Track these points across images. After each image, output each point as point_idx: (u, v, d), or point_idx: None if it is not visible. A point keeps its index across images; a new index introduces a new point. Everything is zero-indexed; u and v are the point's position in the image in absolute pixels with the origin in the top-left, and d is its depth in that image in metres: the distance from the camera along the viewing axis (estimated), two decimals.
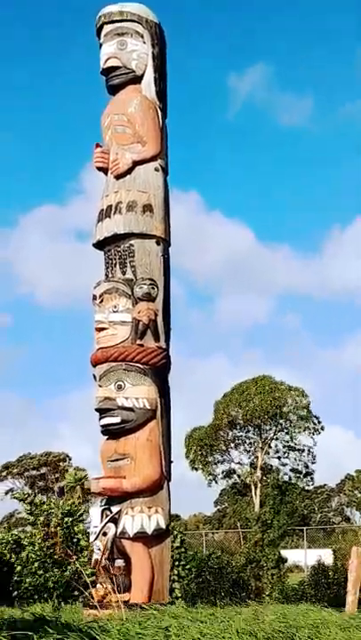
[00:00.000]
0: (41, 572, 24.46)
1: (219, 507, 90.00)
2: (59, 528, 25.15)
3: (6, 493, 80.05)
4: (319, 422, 68.78)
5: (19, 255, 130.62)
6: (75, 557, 22.75)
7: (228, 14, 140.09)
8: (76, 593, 22.45)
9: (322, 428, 69.03)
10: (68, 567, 23.68)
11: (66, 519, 25.58)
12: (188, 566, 25.37)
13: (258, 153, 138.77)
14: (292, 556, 44.09)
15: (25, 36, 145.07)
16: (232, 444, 70.70)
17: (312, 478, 71.11)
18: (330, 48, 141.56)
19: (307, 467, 70.05)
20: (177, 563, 24.45)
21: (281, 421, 68.12)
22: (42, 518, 25.81)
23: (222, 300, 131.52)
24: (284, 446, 69.72)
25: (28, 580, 24.41)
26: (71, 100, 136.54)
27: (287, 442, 69.45)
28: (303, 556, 44.56)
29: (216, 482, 72.29)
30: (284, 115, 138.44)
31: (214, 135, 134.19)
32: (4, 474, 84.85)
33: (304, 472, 70.04)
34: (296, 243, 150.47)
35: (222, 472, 71.72)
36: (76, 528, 25.32)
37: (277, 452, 70.09)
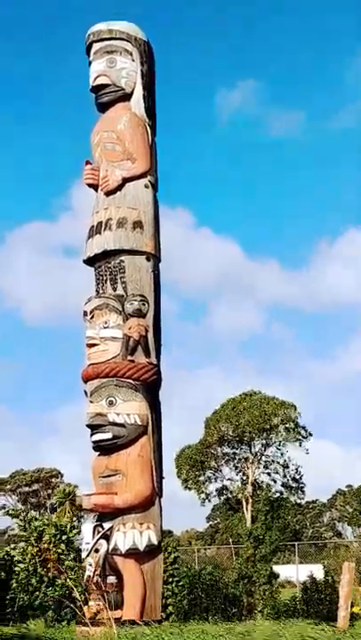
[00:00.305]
0: (34, 589, 24.32)
1: (211, 522, 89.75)
2: (51, 545, 25.04)
3: None
4: (308, 433, 68.76)
5: (5, 271, 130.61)
6: (66, 575, 22.64)
7: (216, 30, 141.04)
8: (68, 610, 22.33)
9: (310, 434, 68.90)
10: (60, 584, 23.56)
11: (58, 536, 25.47)
12: (180, 582, 25.24)
13: (246, 169, 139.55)
14: (284, 571, 43.93)
15: (12, 51, 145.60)
16: (223, 461, 70.59)
17: (303, 492, 70.98)
18: (320, 61, 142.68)
19: (296, 481, 69.93)
20: (170, 579, 24.34)
21: (271, 435, 68.06)
22: (35, 534, 25.69)
23: (212, 314, 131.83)
24: (273, 460, 69.63)
25: (21, 597, 24.27)
26: (60, 117, 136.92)
27: (277, 457, 69.38)
28: (295, 572, 44.44)
29: (209, 500, 72.16)
30: (272, 130, 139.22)
31: (202, 152, 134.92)
32: None
33: (294, 486, 69.92)
34: (284, 257, 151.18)
35: (215, 490, 71.56)
36: (64, 546, 25.19)
37: (267, 467, 70.01)
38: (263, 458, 69.91)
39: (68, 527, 25.98)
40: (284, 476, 69.69)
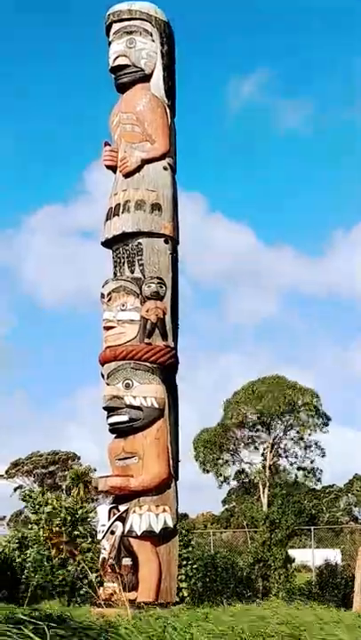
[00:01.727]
0: (47, 570, 24.44)
1: (227, 506, 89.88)
2: (63, 528, 25.11)
3: (15, 490, 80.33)
4: (328, 420, 68.67)
5: (22, 256, 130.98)
6: (80, 557, 22.73)
7: (229, 18, 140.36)
8: (82, 592, 22.44)
9: (329, 420, 68.81)
10: (73, 566, 23.65)
11: (69, 518, 25.54)
12: (195, 566, 25.30)
13: (259, 155, 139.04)
14: (300, 555, 43.97)
15: (26, 35, 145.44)
16: (242, 444, 70.59)
17: (320, 476, 70.93)
18: (330, 52, 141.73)
19: (313, 463, 69.85)
20: (185, 562, 24.40)
21: (291, 421, 68.00)
22: (43, 516, 25.79)
23: (227, 300, 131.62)
24: (292, 445, 69.55)
25: (34, 578, 24.40)
26: (73, 101, 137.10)
27: (297, 440, 69.31)
28: (311, 556, 44.46)
29: (228, 483, 72.24)
30: (287, 117, 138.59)
31: (216, 137, 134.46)
32: (13, 471, 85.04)
33: (311, 468, 69.86)
34: (298, 244, 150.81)
35: (234, 473, 71.61)
36: (80, 528, 25.28)
37: (286, 451, 69.98)
38: (282, 442, 69.90)
39: (78, 508, 26.04)
40: (303, 461, 69.67)
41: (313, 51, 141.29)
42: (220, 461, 70.57)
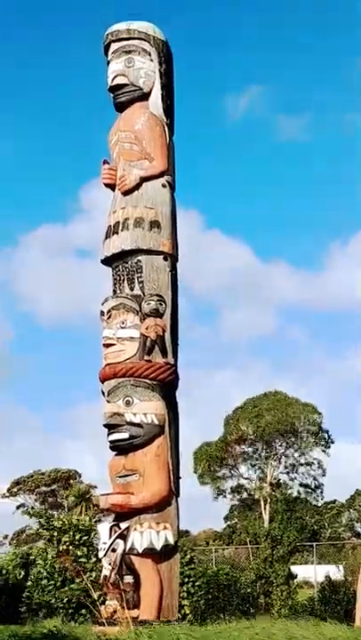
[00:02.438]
0: (51, 588, 24.38)
1: (229, 522, 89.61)
2: (70, 546, 25.06)
3: (18, 508, 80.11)
4: (330, 438, 68.64)
5: (19, 273, 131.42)
6: (84, 576, 22.67)
7: (223, 35, 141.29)
8: (83, 611, 22.38)
9: (332, 442, 68.86)
10: (79, 584, 23.58)
11: (77, 535, 25.49)
12: (197, 583, 25.24)
13: (254, 171, 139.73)
14: (302, 571, 43.84)
15: (24, 52, 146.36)
16: (240, 459, 70.54)
17: (322, 492, 70.89)
18: (326, 64, 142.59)
19: (315, 480, 69.84)
20: (186, 579, 24.34)
21: (292, 438, 68.00)
22: (55, 533, 25.74)
23: (224, 315, 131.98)
24: (293, 462, 69.54)
25: (37, 596, 24.34)
26: (70, 120, 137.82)
27: (297, 457, 69.27)
28: (313, 572, 44.32)
29: (224, 496, 72.14)
30: (282, 133, 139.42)
31: (210, 154, 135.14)
32: (15, 490, 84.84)
33: (313, 486, 69.83)
34: (295, 258, 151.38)
35: (230, 487, 71.54)
36: (85, 549, 25.20)
37: (287, 467, 69.93)
38: (283, 459, 69.85)
39: (89, 527, 25.98)
40: (306, 476, 69.64)
41: (307, 64, 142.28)
42: (220, 475, 70.55)
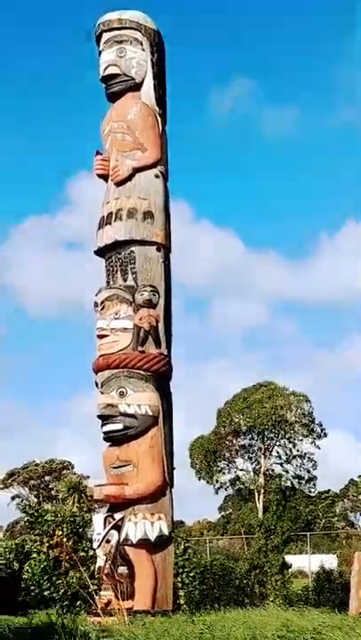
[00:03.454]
0: (47, 579, 24.36)
1: (223, 513, 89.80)
2: (64, 538, 25.03)
3: (12, 499, 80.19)
4: (322, 429, 68.78)
5: (9, 267, 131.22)
6: (79, 567, 22.65)
7: (209, 30, 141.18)
8: (79, 603, 22.39)
9: (325, 435, 69.06)
10: (74, 576, 23.57)
11: (70, 527, 25.46)
12: (191, 573, 25.25)
13: (244, 162, 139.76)
14: (297, 561, 43.96)
15: (9, 41, 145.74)
16: (235, 452, 70.68)
17: (314, 484, 71.11)
18: (313, 59, 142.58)
19: (309, 472, 70.03)
20: (181, 570, 24.34)
21: (285, 428, 68.12)
22: (45, 528, 25.70)
23: (214, 307, 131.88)
24: (286, 453, 69.72)
25: (34, 589, 24.32)
26: (56, 112, 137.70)
27: (290, 448, 69.43)
28: (307, 562, 44.46)
29: (225, 489, 72.32)
30: (270, 125, 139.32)
31: (200, 145, 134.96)
32: (9, 481, 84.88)
33: (306, 478, 70.01)
34: (284, 249, 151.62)
35: (228, 480, 71.69)
36: (77, 538, 25.17)
37: (280, 458, 70.09)
38: (276, 449, 69.98)
39: (79, 520, 25.96)
40: (299, 467, 69.81)
41: (293, 59, 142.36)
42: (216, 468, 70.65)
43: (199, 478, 70.14)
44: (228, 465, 71.02)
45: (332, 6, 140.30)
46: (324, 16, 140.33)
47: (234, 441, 69.72)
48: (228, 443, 69.69)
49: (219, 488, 71.32)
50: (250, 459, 70.32)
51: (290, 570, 31.42)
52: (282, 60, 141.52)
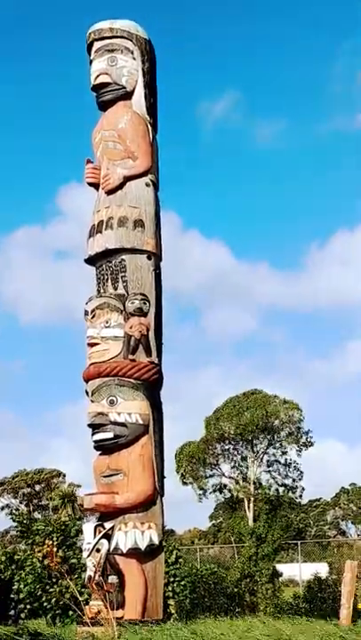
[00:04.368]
0: (39, 589, 24.27)
1: (214, 521, 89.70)
2: (55, 548, 24.93)
3: (2, 509, 79.94)
4: (309, 437, 68.77)
5: (1, 275, 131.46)
6: (70, 576, 22.56)
7: (195, 43, 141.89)
8: (70, 612, 22.31)
9: (311, 444, 69.05)
10: (60, 585, 23.48)
11: (61, 538, 25.37)
12: (182, 582, 25.19)
13: (233, 173, 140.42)
14: (288, 570, 43.92)
15: (5, 54, 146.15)
16: (222, 458, 70.65)
17: (301, 494, 71.08)
18: (300, 70, 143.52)
19: (296, 480, 70.03)
20: (172, 579, 24.29)
21: (274, 436, 68.12)
22: (37, 538, 25.61)
23: (205, 316, 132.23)
24: (274, 461, 69.72)
25: (24, 598, 24.23)
26: (47, 122, 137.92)
27: (278, 456, 69.45)
28: (298, 571, 44.45)
29: (206, 497, 72.20)
30: (258, 136, 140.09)
31: (188, 156, 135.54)
32: None
33: (293, 487, 69.99)
34: (274, 259, 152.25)
35: (212, 486, 71.61)
36: (66, 548, 25.08)
37: (269, 465, 70.08)
38: (265, 457, 69.97)
39: (71, 527, 25.89)
40: (286, 476, 69.78)
41: (280, 71, 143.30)
42: (202, 475, 70.60)
43: (183, 483, 70.10)
44: (211, 470, 70.98)
45: (320, 18, 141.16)
46: (313, 27, 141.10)
47: (220, 448, 69.71)
48: (214, 450, 69.69)
49: (202, 494, 71.21)
50: (238, 466, 70.26)
51: (281, 578, 31.37)
52: (270, 72, 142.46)
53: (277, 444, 68.92)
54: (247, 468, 69.65)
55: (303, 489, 70.26)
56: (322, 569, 36.94)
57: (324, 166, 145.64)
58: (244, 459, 69.83)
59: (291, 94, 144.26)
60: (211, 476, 71.24)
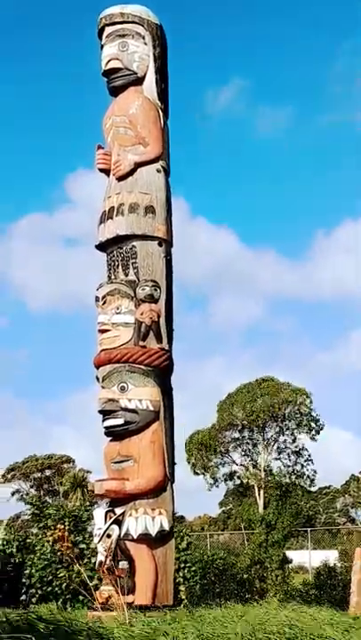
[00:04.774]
0: (50, 576, 24.38)
1: (224, 508, 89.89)
2: (66, 533, 25.02)
3: (12, 494, 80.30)
4: (320, 425, 68.72)
5: (9, 262, 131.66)
6: (80, 561, 22.65)
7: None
8: (81, 597, 22.40)
9: (321, 429, 68.96)
10: (72, 570, 23.58)
11: (72, 522, 25.47)
12: (193, 568, 25.27)
13: (240, 160, 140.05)
14: (298, 557, 44.02)
15: (13, 41, 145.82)
16: (232, 446, 70.66)
17: (312, 481, 71.01)
18: (306, 60, 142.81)
19: (307, 467, 69.98)
20: (183, 565, 24.37)
21: (286, 422, 68.12)
22: (49, 522, 25.72)
23: (212, 304, 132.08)
24: (285, 448, 69.70)
25: (35, 583, 24.34)
26: (56, 109, 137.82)
27: (289, 443, 69.42)
28: (308, 557, 44.51)
29: (217, 486, 72.25)
30: (265, 124, 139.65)
31: (196, 143, 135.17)
32: (9, 475, 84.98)
33: (305, 474, 69.94)
34: (281, 247, 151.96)
35: (223, 475, 71.64)
36: (77, 533, 25.18)
37: (280, 453, 70.07)
38: (275, 444, 69.97)
39: (82, 512, 25.98)
40: (296, 464, 69.77)
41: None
42: (212, 463, 70.64)
43: (194, 473, 70.14)
44: (222, 458, 71.00)
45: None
46: (320, 15, 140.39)
47: (232, 435, 69.75)
48: (225, 437, 69.70)
49: (213, 483, 71.28)
50: (246, 453, 70.27)
51: (290, 565, 31.45)
52: (277, 60, 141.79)
53: (289, 432, 68.89)
54: (258, 454, 69.68)
55: (315, 472, 70.15)
56: (331, 556, 37.01)
57: (332, 153, 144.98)
58: (255, 445, 69.86)
59: (298, 81, 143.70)
60: (222, 464, 71.30)
